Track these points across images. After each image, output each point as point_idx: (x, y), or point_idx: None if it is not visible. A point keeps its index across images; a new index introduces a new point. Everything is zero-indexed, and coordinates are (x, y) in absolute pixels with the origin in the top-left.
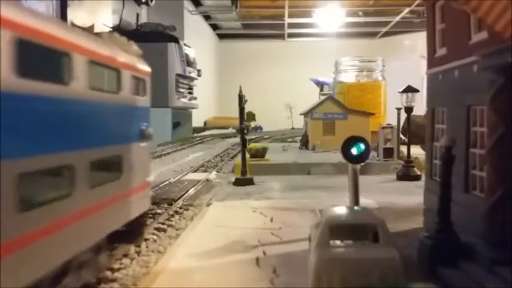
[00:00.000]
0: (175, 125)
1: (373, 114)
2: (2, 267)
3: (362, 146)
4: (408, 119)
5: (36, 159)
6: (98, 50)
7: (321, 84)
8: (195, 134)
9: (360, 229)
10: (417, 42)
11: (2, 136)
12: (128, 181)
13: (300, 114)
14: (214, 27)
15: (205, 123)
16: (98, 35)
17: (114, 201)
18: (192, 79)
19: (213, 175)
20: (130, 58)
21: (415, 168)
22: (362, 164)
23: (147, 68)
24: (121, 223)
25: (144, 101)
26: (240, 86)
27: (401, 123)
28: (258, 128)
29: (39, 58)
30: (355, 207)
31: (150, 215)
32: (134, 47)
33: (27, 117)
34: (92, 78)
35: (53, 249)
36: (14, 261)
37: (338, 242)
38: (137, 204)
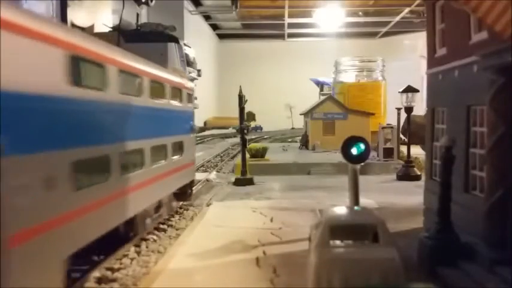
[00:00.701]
0: None
1: (373, 114)
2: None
3: (362, 146)
4: (408, 119)
5: (155, 140)
6: (175, 80)
7: (321, 84)
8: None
9: (360, 229)
10: (417, 42)
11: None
12: (185, 158)
13: (300, 114)
14: (214, 27)
15: (205, 123)
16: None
17: (181, 169)
18: (192, 79)
19: (213, 175)
20: (186, 81)
21: (415, 168)
22: (362, 164)
23: (193, 86)
24: (183, 183)
25: (191, 107)
26: (240, 86)
27: (401, 123)
28: (258, 128)
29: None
30: (355, 207)
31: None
32: (186, 74)
33: (148, 118)
34: (172, 95)
35: (153, 192)
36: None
37: (338, 242)
38: (189, 174)
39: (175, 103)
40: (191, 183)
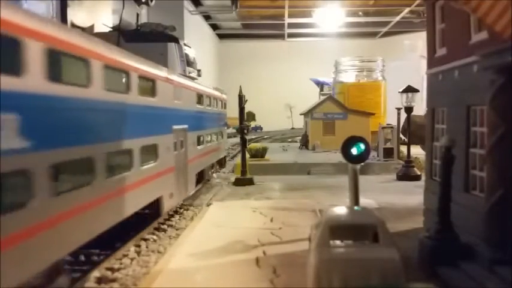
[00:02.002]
0: None
1: (373, 114)
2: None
3: (362, 146)
4: (408, 119)
5: (199, 132)
6: (220, 95)
7: (321, 84)
8: None
9: (360, 229)
10: (417, 42)
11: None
12: (221, 142)
13: (300, 114)
14: (214, 27)
15: None
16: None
17: (218, 149)
18: (192, 79)
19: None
20: (224, 96)
21: (415, 168)
22: (362, 164)
23: (225, 97)
24: (219, 157)
25: (225, 111)
26: (240, 86)
27: (401, 123)
28: (258, 128)
29: (215, 99)
30: (355, 207)
31: None
32: (221, 91)
33: (188, 118)
34: (214, 104)
35: (212, 157)
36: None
37: (338, 242)
38: (223, 152)
39: (219, 109)
40: (224, 157)
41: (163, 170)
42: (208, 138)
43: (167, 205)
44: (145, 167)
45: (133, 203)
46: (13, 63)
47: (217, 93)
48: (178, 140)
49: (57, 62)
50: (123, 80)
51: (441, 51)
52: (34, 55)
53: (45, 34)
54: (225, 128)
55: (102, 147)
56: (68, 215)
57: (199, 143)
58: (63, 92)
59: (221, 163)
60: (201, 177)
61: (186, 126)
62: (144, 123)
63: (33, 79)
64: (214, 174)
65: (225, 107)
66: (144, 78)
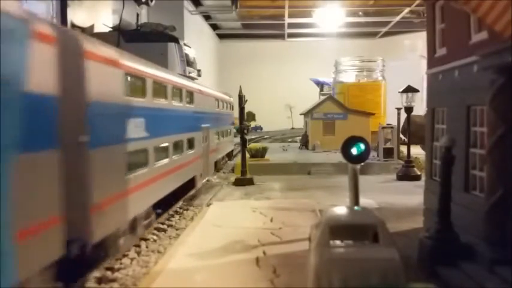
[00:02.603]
0: None
1: (373, 114)
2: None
3: (362, 146)
4: (408, 119)
5: (216, 130)
6: (228, 98)
7: (321, 84)
8: None
9: (360, 229)
10: (417, 42)
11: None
12: (230, 138)
13: (300, 114)
14: (214, 27)
15: None
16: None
17: (228, 144)
18: (192, 79)
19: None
20: (230, 98)
21: (415, 168)
22: (362, 164)
23: (232, 99)
24: (228, 151)
25: (232, 112)
26: (240, 86)
27: (401, 123)
28: (258, 128)
29: (226, 103)
30: (355, 207)
31: None
32: (229, 95)
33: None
34: (225, 106)
35: (227, 147)
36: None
37: (338, 242)
38: (231, 146)
39: (228, 110)
40: (232, 151)
41: (197, 156)
42: (221, 135)
43: (199, 182)
44: (189, 152)
45: (184, 176)
46: (142, 92)
47: (226, 97)
48: (204, 136)
49: (158, 90)
50: (179, 94)
51: (441, 51)
52: (149, 87)
53: (152, 74)
54: (232, 126)
55: (173, 138)
56: (161, 176)
57: (216, 138)
58: (161, 105)
59: (229, 156)
60: (216, 166)
61: (208, 125)
62: (188, 123)
63: (148, 100)
64: (214, 175)
65: (232, 109)
66: (188, 91)
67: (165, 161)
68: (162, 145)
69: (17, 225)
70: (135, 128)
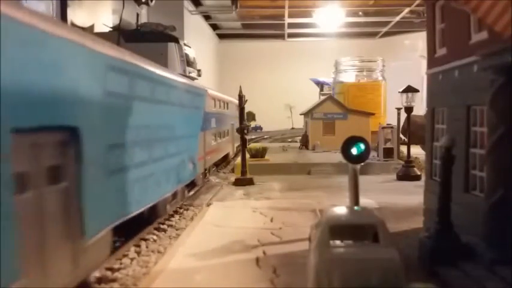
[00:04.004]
0: None
1: (373, 114)
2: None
3: (362, 146)
4: (408, 119)
5: (234, 126)
6: (234, 100)
7: (321, 84)
8: None
9: (360, 229)
10: (417, 42)
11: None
12: (231, 136)
13: (300, 114)
14: (214, 27)
15: None
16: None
17: (232, 140)
18: (192, 79)
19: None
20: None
21: (415, 168)
22: (362, 164)
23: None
24: (231, 149)
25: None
26: (240, 86)
27: (401, 123)
28: (258, 128)
29: (232, 105)
30: (355, 207)
31: None
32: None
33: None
34: (231, 107)
35: (235, 142)
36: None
37: (338, 242)
38: (233, 145)
39: (233, 111)
40: (228, 153)
41: (229, 140)
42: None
43: (230, 156)
44: (227, 138)
45: (225, 151)
46: (216, 105)
47: (234, 100)
48: (231, 129)
49: (216, 103)
50: (226, 105)
51: (441, 51)
52: (217, 103)
53: (219, 97)
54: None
55: (223, 129)
56: (217, 150)
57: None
58: (220, 111)
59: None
60: (236, 149)
61: (233, 122)
62: (227, 120)
63: (210, 108)
64: (214, 176)
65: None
66: (226, 102)
67: (219, 140)
68: (220, 132)
69: (199, 152)
70: (213, 122)
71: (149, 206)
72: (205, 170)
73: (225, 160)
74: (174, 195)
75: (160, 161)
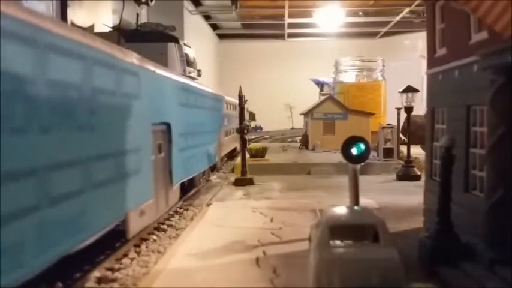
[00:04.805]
0: None
1: (373, 114)
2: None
3: (362, 146)
4: (408, 119)
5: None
6: (236, 101)
7: (321, 84)
8: None
9: (360, 229)
10: (417, 42)
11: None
12: (232, 136)
13: (300, 114)
14: (214, 27)
15: None
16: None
17: (234, 139)
18: (192, 79)
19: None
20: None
21: (415, 168)
22: (362, 164)
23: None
24: (234, 146)
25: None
26: (240, 86)
27: (401, 123)
28: (258, 128)
29: (233, 106)
30: (355, 207)
31: None
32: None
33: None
34: (233, 108)
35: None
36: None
37: (338, 242)
38: (235, 143)
39: (235, 111)
40: (235, 148)
41: (236, 137)
42: None
43: (238, 150)
44: (233, 135)
45: (232, 146)
46: (227, 107)
47: (235, 101)
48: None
49: (229, 107)
50: (233, 107)
51: (441, 51)
52: (227, 105)
53: (230, 101)
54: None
55: (231, 127)
56: (227, 144)
57: None
58: (229, 112)
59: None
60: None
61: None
62: (235, 120)
63: (224, 110)
64: (214, 176)
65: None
66: (234, 105)
67: (229, 136)
68: (229, 130)
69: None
70: (226, 121)
71: (193, 175)
72: (220, 158)
73: (233, 153)
74: (203, 173)
75: (199, 147)
